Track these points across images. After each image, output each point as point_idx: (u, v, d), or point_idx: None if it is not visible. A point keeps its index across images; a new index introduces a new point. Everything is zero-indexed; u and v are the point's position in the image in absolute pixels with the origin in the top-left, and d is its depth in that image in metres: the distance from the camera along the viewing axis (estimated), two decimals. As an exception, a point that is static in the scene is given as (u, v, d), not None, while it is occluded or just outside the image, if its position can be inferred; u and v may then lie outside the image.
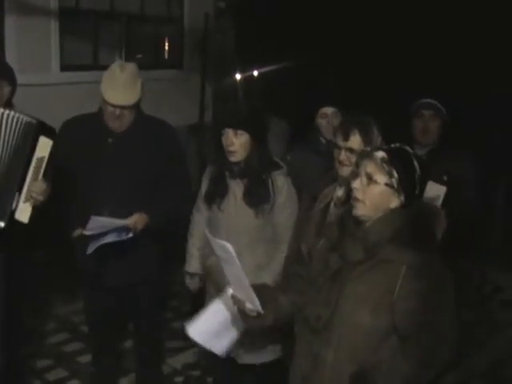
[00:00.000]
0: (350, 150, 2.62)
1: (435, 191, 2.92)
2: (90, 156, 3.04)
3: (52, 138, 2.54)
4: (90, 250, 2.95)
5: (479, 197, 3.48)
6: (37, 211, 2.60)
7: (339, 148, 2.67)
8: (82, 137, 3.07)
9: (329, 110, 3.76)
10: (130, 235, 2.97)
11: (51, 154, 2.53)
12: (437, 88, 4.39)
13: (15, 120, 2.54)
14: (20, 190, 2.51)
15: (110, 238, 2.93)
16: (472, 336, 4.60)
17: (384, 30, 6.95)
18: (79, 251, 3.15)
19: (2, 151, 2.55)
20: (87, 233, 2.90)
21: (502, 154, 6.09)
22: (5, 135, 2.54)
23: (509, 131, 6.15)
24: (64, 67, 5.60)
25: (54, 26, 5.45)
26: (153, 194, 3.11)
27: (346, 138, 2.64)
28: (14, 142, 2.53)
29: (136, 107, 3.07)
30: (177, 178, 3.20)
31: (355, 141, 2.63)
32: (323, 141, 3.76)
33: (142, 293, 3.29)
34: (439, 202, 2.95)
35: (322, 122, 3.79)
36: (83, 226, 3.01)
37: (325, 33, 7.19)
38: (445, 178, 3.02)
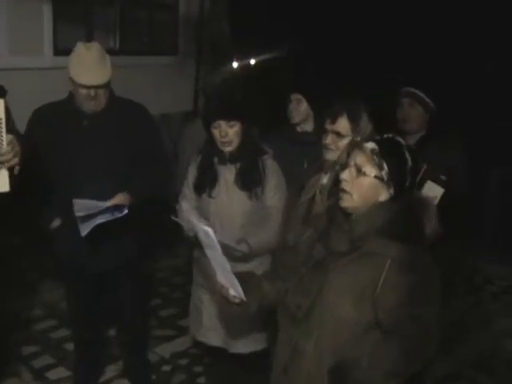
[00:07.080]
0: (337, 134, 2.59)
1: (433, 191, 2.89)
2: (65, 141, 3.02)
3: (2, 96, 2.30)
4: (85, 231, 2.87)
5: (468, 184, 3.43)
6: (20, 174, 2.29)
7: (326, 132, 2.63)
8: (55, 123, 3.05)
9: (298, 96, 3.60)
10: (125, 211, 2.92)
11: (6, 113, 2.23)
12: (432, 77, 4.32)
13: None
14: None
15: (103, 218, 2.88)
16: (463, 327, 4.59)
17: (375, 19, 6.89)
18: (57, 241, 3.17)
19: None
20: (79, 214, 2.84)
21: (496, 143, 6.04)
22: None
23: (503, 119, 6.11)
24: (57, 51, 5.55)
25: (47, 9, 5.39)
26: (131, 172, 3.09)
27: (334, 121, 2.61)
28: None
29: (109, 85, 3.07)
30: (154, 156, 3.20)
31: (342, 124, 2.59)
32: (299, 129, 3.63)
33: (121, 279, 3.29)
34: (434, 203, 2.89)
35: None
36: (63, 214, 2.97)
37: (323, 20, 7.12)
38: (443, 178, 2.97)
